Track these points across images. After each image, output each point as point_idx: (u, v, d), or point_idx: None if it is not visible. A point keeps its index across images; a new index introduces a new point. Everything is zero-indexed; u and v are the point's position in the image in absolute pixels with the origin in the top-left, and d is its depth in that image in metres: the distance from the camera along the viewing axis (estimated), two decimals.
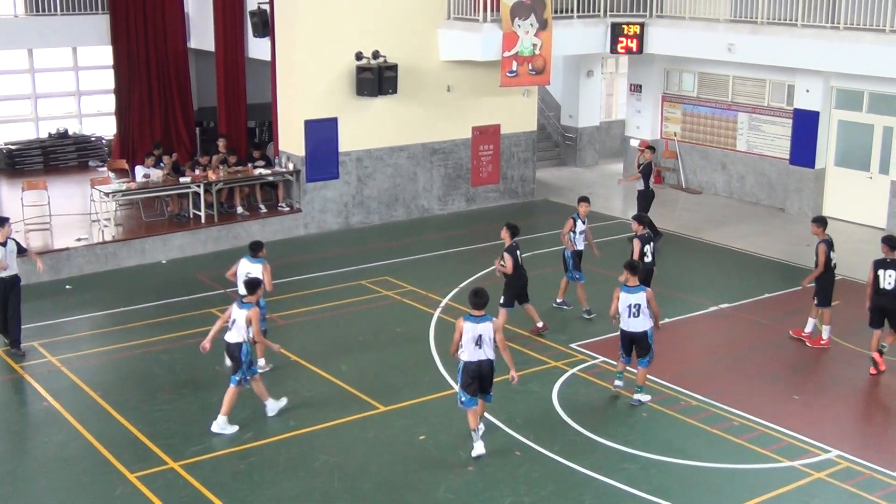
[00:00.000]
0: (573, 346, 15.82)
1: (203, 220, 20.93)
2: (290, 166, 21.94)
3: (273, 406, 13.52)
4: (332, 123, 21.94)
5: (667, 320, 16.49)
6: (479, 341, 12.18)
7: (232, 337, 13.04)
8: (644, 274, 14.65)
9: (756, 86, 24.61)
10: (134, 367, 15.21)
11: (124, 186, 20.81)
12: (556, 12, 23.31)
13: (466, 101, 23.80)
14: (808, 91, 23.13)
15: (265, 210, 21.92)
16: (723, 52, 23.36)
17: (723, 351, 15.66)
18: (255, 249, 14.66)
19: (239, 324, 12.89)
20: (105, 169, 24.57)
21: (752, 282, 18.93)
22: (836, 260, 15.91)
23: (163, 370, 15.00)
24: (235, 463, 12.25)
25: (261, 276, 13.83)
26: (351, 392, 14.22)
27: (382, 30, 22.10)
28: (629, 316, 13.60)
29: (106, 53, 25.83)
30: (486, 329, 12.18)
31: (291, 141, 22.07)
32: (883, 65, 20.41)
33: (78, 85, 27.44)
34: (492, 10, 22.34)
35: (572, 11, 24.15)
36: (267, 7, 22.32)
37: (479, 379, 12.33)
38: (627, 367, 14.10)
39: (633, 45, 24.62)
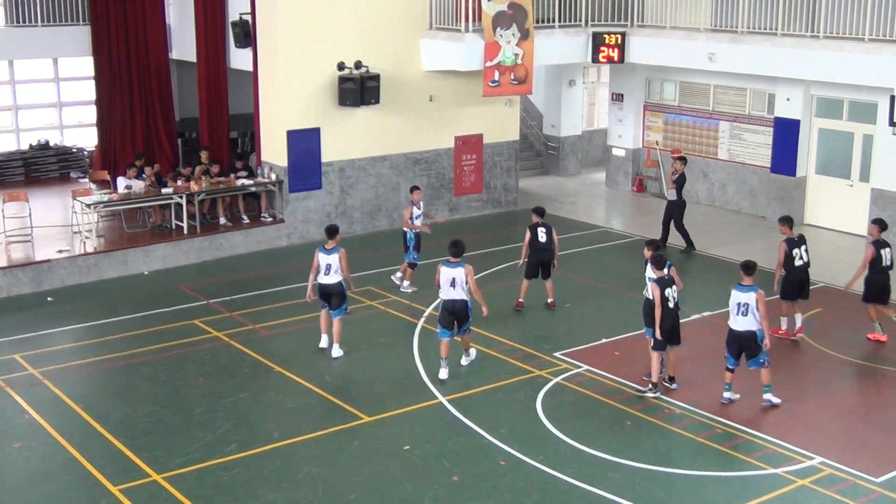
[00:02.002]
0: (557, 354, 15.82)
1: (185, 231, 20.86)
2: (273, 177, 21.90)
3: (338, 350, 15.76)
4: (314, 134, 21.92)
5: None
6: (453, 283, 14.59)
7: (331, 279, 15.35)
8: (668, 318, 14.17)
9: (737, 94, 24.73)
10: (116, 379, 15.13)
11: (106, 198, 20.73)
12: (537, 22, 23.37)
13: (449, 110, 23.82)
14: (788, 99, 23.25)
15: (248, 221, 21.86)
16: (703, 61, 23.46)
17: (705, 359, 15.68)
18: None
19: (334, 266, 15.32)
20: (87, 180, 24.49)
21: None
22: (807, 258, 16.37)
23: (145, 382, 14.93)
24: (219, 474, 12.19)
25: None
26: (335, 402, 14.18)
27: (364, 40, 22.10)
28: (737, 314, 13.83)
29: (87, 64, 25.74)
30: (460, 273, 14.58)
31: (274, 151, 22.04)
32: (862, 73, 20.53)
33: (59, 96, 27.33)
34: (474, 20, 22.38)
35: (554, 21, 24.22)
36: (249, 18, 22.29)
37: (453, 314, 14.72)
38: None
39: (615, 54, 24.70)
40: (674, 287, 14.18)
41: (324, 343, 16.17)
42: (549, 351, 15.93)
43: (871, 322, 16.44)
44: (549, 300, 17.84)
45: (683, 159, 21.57)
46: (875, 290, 16.26)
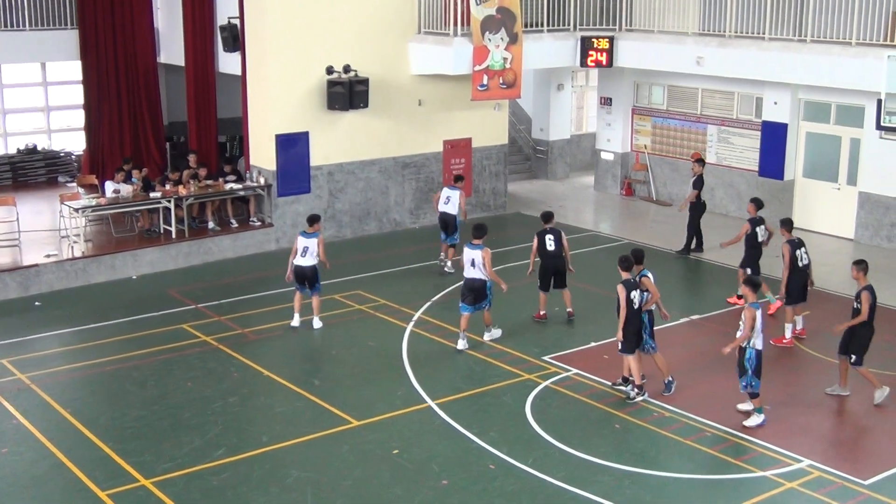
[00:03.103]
0: (546, 358, 15.83)
1: (174, 236, 20.82)
2: (262, 181, 21.88)
3: (318, 322, 17.07)
4: (303, 138, 21.90)
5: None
6: (473, 263, 15.89)
7: (307, 261, 16.67)
8: (633, 318, 14.26)
9: (725, 98, 24.79)
10: (104, 383, 15.09)
11: (94, 202, 20.67)
12: (526, 26, 23.40)
13: (438, 114, 23.83)
14: (776, 103, 23.32)
15: (236, 225, 21.84)
16: (691, 65, 23.53)
17: (694, 362, 15.71)
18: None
19: (311, 249, 16.61)
20: (74, 185, 24.41)
21: (720, 292, 19.01)
22: (808, 260, 16.45)
23: (134, 387, 14.88)
24: (208, 479, 12.16)
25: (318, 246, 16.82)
26: (324, 406, 14.16)
27: (353, 44, 22.10)
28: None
29: (75, 69, 25.69)
30: (478, 255, 15.82)
31: (262, 155, 22.01)
32: (849, 77, 20.61)
33: (47, 100, 27.28)
34: (462, 25, 22.40)
35: (542, 26, 24.25)
36: (237, 22, 22.27)
37: (472, 290, 15.95)
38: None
39: (603, 58, 24.75)
40: (639, 290, 14.17)
41: (295, 322, 17.11)
42: (538, 354, 15.93)
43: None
44: (568, 310, 17.47)
45: (702, 161, 21.60)
46: (796, 290, 16.35)
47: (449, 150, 24.27)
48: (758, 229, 17.80)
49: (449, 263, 20.19)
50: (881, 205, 21.81)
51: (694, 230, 21.44)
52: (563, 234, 17.32)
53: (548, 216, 17.43)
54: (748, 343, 13.33)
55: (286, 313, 17.57)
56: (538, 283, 17.35)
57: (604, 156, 27.71)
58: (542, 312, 17.41)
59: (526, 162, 30.01)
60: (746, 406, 13.85)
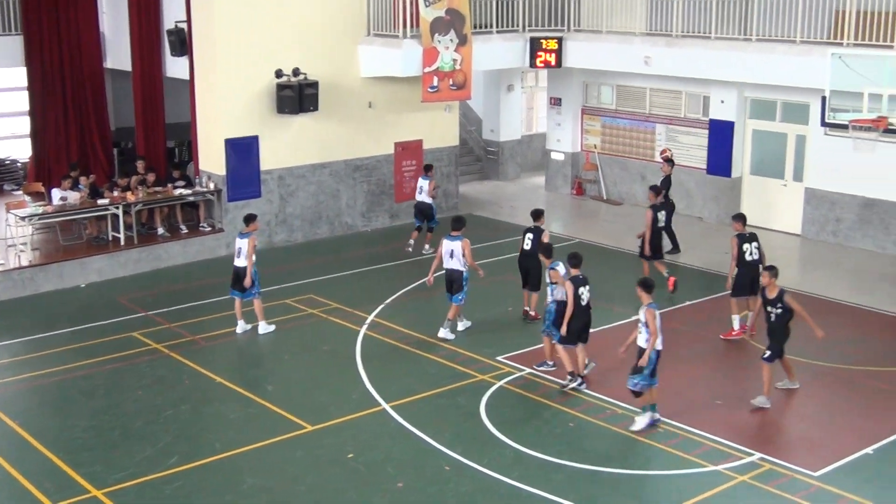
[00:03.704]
0: (500, 358, 15.87)
1: (122, 243, 20.60)
2: (211, 186, 21.73)
3: (265, 328, 16.95)
4: (252, 142, 21.79)
5: (591, 330, 16.64)
6: (451, 254, 16.41)
7: (239, 262, 16.70)
8: (582, 314, 14.56)
9: (672, 97, 25.02)
10: (54, 394, 14.89)
11: (41, 210, 20.39)
12: (475, 28, 23.45)
13: (388, 116, 23.81)
14: (722, 102, 23.58)
15: (186, 231, 21.66)
16: (639, 64, 23.72)
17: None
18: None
19: (243, 250, 16.63)
20: (20, 192, 24.07)
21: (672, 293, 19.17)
22: (758, 255, 16.68)
23: (84, 396, 14.71)
24: (161, 488, 12.04)
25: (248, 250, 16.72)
26: (278, 412, 14.08)
27: (302, 47, 22.02)
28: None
29: (20, 75, 25.31)
30: (457, 246, 16.36)
31: (212, 160, 21.87)
32: (794, 75, 20.89)
33: None
34: (411, 27, 22.40)
35: (491, 27, 24.33)
36: (184, 26, 22.10)
37: (451, 281, 16.48)
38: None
39: (552, 59, 24.88)
40: (587, 287, 14.49)
41: (239, 329, 16.98)
42: (491, 355, 15.97)
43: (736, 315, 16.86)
44: (530, 311, 17.45)
45: (671, 161, 21.73)
46: (742, 283, 16.62)
47: (400, 152, 24.26)
48: (658, 214, 18.76)
49: (426, 247, 21.57)
50: (827, 200, 22.13)
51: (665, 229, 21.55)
52: (543, 232, 17.24)
53: (535, 214, 17.53)
54: (646, 342, 13.27)
55: (237, 320, 17.48)
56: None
57: (554, 156, 27.85)
58: (524, 308, 17.61)
59: (477, 163, 30.08)
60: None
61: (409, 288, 19.43)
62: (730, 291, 16.76)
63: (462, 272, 16.48)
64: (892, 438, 13.12)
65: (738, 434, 13.29)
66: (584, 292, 14.46)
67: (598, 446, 13.06)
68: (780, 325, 14.09)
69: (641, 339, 13.34)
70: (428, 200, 21.52)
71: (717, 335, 16.80)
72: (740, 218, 17.01)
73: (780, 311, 14.03)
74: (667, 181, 21.33)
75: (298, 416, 13.90)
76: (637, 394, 13.44)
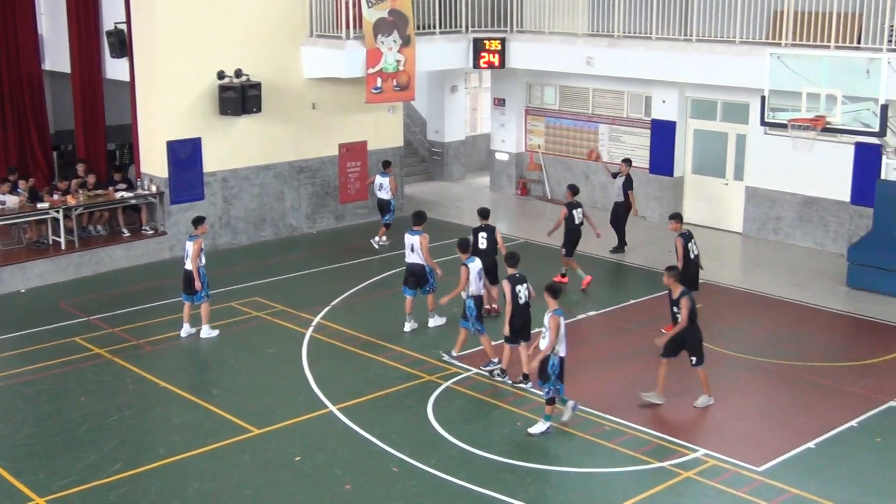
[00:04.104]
0: (447, 358, 15.90)
1: (63, 247, 20.32)
2: (153, 188, 21.51)
3: (208, 332, 16.89)
4: (195, 144, 21.61)
5: (537, 329, 16.74)
6: (412, 248, 16.84)
7: (187, 265, 16.66)
8: (519, 312, 14.70)
9: (615, 98, 25.24)
10: None
11: None
12: (418, 28, 23.47)
13: (332, 118, 23.75)
14: (664, 102, 23.83)
15: (128, 234, 21.43)
16: (582, 65, 23.89)
17: (592, 357, 15.96)
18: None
19: (190, 253, 16.59)
20: None
21: (616, 289, 19.37)
22: (697, 251, 17.04)
23: (26, 403, 14.49)
24: (105, 495, 11.91)
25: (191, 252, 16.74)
26: (223, 416, 13.99)
27: (244, 48, 21.89)
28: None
29: None
30: (416, 240, 16.81)
31: (154, 162, 21.65)
32: (733, 75, 21.17)
33: None
34: (355, 27, 22.37)
35: (434, 28, 24.36)
36: (124, 27, 21.87)
37: (413, 275, 16.86)
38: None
39: (495, 59, 24.98)
40: (525, 285, 14.64)
41: (184, 332, 16.97)
42: (438, 355, 15.99)
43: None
44: (492, 306, 17.62)
45: (628, 161, 21.90)
46: (687, 280, 16.73)
47: (344, 153, 24.21)
48: (574, 212, 19.27)
49: (383, 240, 22.10)
50: (767, 199, 22.46)
51: (619, 228, 21.76)
52: (496, 230, 17.52)
53: (483, 213, 17.71)
54: (551, 350, 13.23)
55: (182, 323, 17.33)
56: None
57: (498, 156, 27.96)
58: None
59: (422, 164, 30.10)
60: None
61: (355, 290, 19.40)
62: None
63: (423, 266, 16.85)
64: (832, 433, 13.36)
65: (683, 431, 13.45)
66: (522, 290, 14.62)
67: (546, 445, 13.14)
68: (688, 325, 14.03)
69: (543, 345, 13.31)
70: (387, 197, 22.07)
71: (660, 334, 16.94)
72: (678, 217, 17.26)
73: (678, 313, 14.10)
74: (628, 181, 21.48)
75: (244, 420, 13.81)
76: (551, 400, 13.38)
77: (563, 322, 13.27)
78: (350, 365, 15.81)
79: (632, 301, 18.67)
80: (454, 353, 15.82)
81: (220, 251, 22.11)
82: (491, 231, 17.39)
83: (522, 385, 14.80)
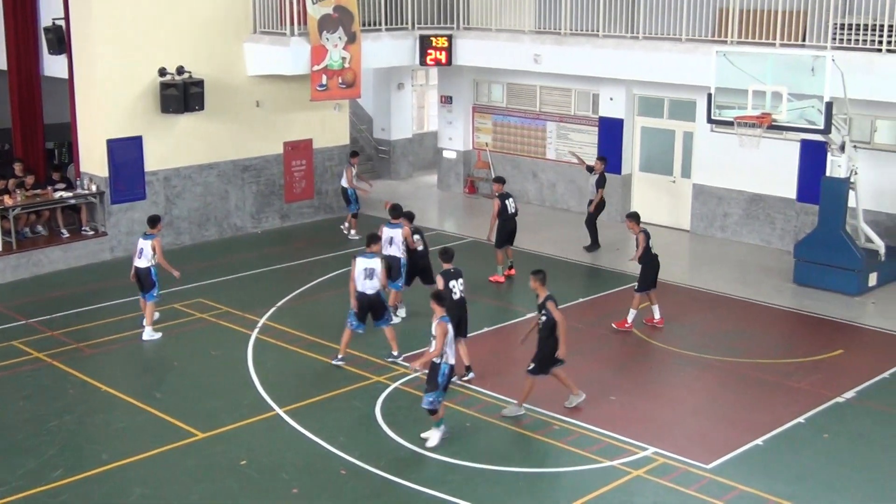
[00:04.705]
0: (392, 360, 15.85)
1: (0, 248, 19.96)
2: (93, 188, 21.23)
3: (150, 334, 16.78)
4: (136, 142, 21.36)
5: (485, 329, 16.78)
6: (391, 242, 16.65)
7: (141, 263, 16.61)
8: (454, 307, 14.55)
9: (562, 95, 25.34)
10: None
11: None
12: (364, 25, 23.39)
13: (277, 116, 23.59)
14: (611, 99, 23.97)
15: (68, 235, 21.11)
16: (529, 62, 23.96)
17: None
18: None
19: (146, 251, 16.60)
20: None
21: (565, 287, 19.39)
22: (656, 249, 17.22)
23: None
24: (46, 502, 11.72)
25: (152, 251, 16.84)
26: (167, 420, 13.84)
27: (186, 45, 21.67)
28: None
29: None
30: (397, 234, 16.72)
31: (93, 161, 21.36)
32: (680, 72, 21.36)
33: None
34: (299, 24, 22.23)
35: (380, 24, 24.29)
36: (62, 23, 21.54)
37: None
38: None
39: (442, 56, 24.98)
40: (460, 280, 14.77)
41: (146, 336, 16.94)
42: (385, 356, 15.93)
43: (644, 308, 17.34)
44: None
45: (604, 159, 21.92)
46: (650, 279, 17.17)
47: (289, 151, 24.06)
48: (507, 203, 19.47)
49: (353, 232, 22.68)
50: (714, 196, 22.68)
51: (591, 225, 21.81)
52: (423, 234, 17.64)
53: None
54: (441, 358, 12.83)
55: (124, 325, 17.14)
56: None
57: (446, 154, 27.96)
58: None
59: (368, 162, 29.99)
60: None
61: (301, 290, 19.28)
62: (636, 286, 17.15)
63: (400, 258, 16.83)
64: (780, 430, 13.51)
65: (632, 429, 13.52)
66: (457, 286, 14.76)
67: (495, 445, 13.15)
68: (545, 333, 13.66)
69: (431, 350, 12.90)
70: (344, 185, 22.66)
71: (609, 332, 17.07)
72: (636, 217, 17.30)
73: (544, 318, 13.65)
74: (601, 178, 21.53)
75: (189, 424, 13.67)
76: (433, 412, 13.02)
77: (450, 329, 12.82)
78: (296, 366, 15.71)
79: (580, 299, 18.75)
80: (395, 353, 15.78)
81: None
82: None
83: (467, 378, 14.88)
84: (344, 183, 22.73)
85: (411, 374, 14.48)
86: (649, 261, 17.05)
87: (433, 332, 12.87)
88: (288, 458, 12.79)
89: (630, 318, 17.05)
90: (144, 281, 16.81)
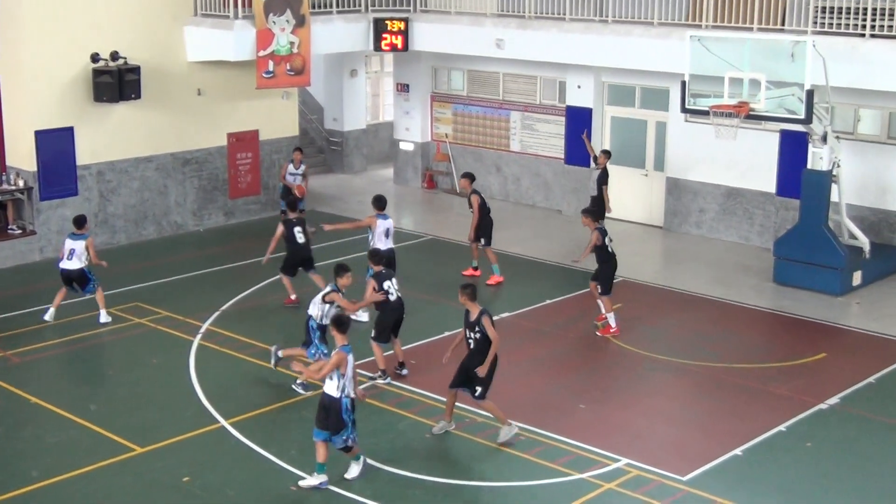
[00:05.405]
0: None
1: None
2: (20, 183, 21.06)
3: (105, 317, 17.53)
4: (67, 133, 21.21)
5: (445, 334, 16.80)
6: (387, 233, 17.58)
7: (73, 264, 17.07)
8: (394, 309, 15.36)
9: (527, 83, 25.43)
10: None
11: None
12: (313, 8, 23.36)
13: (220, 105, 23.50)
14: (579, 87, 24.09)
15: None
16: (491, 48, 24.02)
17: (505, 363, 15.98)
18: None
19: (78, 251, 17.08)
20: None
21: (531, 288, 19.50)
22: (614, 248, 17.39)
23: None
24: None
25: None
26: (102, 434, 13.75)
27: (121, 28, 21.54)
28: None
29: None
30: (391, 224, 17.67)
31: (20, 155, 21.19)
32: (652, 59, 21.50)
33: None
34: (243, 6, 22.17)
35: (331, 7, 24.26)
36: None
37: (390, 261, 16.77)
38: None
39: (398, 41, 24.98)
40: (394, 280, 15.22)
41: (48, 316, 17.56)
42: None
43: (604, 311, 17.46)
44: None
45: (607, 152, 21.94)
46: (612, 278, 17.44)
47: (234, 143, 23.97)
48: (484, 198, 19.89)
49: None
50: (689, 190, 22.86)
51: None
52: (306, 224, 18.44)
53: (293, 204, 18.71)
54: (342, 392, 12.14)
55: (54, 332, 17.01)
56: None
57: (403, 146, 27.97)
58: (292, 297, 18.47)
59: (319, 155, 29.95)
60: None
61: (247, 293, 19.22)
62: (599, 290, 17.19)
63: (392, 250, 17.60)
64: (761, 438, 13.64)
65: (603, 440, 13.59)
66: (392, 286, 15.24)
67: (458, 458, 13.18)
68: (477, 349, 13.33)
69: (331, 387, 12.16)
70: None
71: (578, 335, 17.16)
72: (591, 214, 17.50)
73: (478, 335, 13.29)
74: (604, 174, 21.56)
75: (126, 438, 13.59)
76: (348, 449, 12.39)
77: (350, 360, 12.11)
78: (243, 375, 15.66)
79: (547, 301, 18.84)
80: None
81: (97, 252, 21.65)
82: (303, 223, 18.25)
83: (400, 373, 15.43)
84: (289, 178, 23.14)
85: (364, 384, 14.53)
86: (606, 260, 17.21)
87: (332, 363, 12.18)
88: (234, 473, 12.74)
89: (612, 322, 17.15)
90: (80, 282, 17.42)
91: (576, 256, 17.85)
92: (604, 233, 17.14)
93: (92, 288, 17.59)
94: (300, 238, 18.11)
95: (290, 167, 22.94)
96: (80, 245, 17.24)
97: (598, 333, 17.19)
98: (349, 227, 19.06)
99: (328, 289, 14.74)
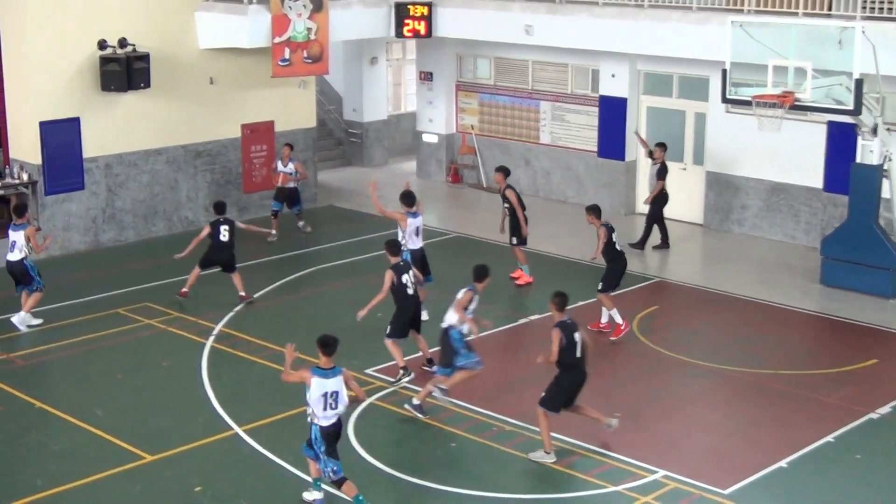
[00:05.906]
0: (369, 371, 15.86)
1: None
2: (25, 177, 21.17)
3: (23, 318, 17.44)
4: (73, 125, 21.32)
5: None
6: (417, 231, 17.73)
7: (13, 256, 17.08)
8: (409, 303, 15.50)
9: (558, 71, 25.37)
10: None
11: None
12: None
13: (234, 95, 23.56)
14: (613, 76, 24.01)
15: None
16: (520, 34, 23.96)
17: (535, 368, 15.94)
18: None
19: (18, 243, 17.08)
20: None
21: (563, 288, 19.35)
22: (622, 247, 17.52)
23: None
24: None
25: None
26: (109, 440, 13.81)
27: (130, 14, 21.64)
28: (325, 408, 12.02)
29: None
30: (420, 222, 17.91)
31: (24, 147, 21.31)
32: (691, 45, 21.40)
33: None
34: None
35: None
36: None
37: (420, 259, 17.47)
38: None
39: (421, 27, 24.97)
40: (411, 273, 15.42)
41: (16, 319, 17.62)
42: (358, 368, 15.89)
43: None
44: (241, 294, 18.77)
45: (663, 145, 21.89)
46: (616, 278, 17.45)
47: (248, 135, 24.02)
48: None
49: (302, 224, 23.06)
50: (730, 186, 22.75)
51: (655, 222, 21.76)
52: (235, 223, 18.89)
53: (220, 207, 18.99)
54: (308, 419, 11.96)
55: (59, 333, 17.11)
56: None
57: (426, 138, 27.95)
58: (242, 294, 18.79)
59: (338, 147, 29.99)
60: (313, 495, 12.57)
61: (262, 292, 19.25)
62: (600, 287, 17.24)
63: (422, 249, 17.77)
64: (807, 450, 13.57)
65: (639, 450, 13.54)
66: (409, 280, 15.40)
67: (484, 469, 13.14)
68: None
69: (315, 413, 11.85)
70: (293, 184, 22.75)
71: (614, 339, 17.10)
72: (596, 211, 17.45)
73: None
74: (663, 169, 21.54)
75: (135, 445, 13.65)
76: (341, 481, 11.88)
77: (314, 383, 11.81)
78: (258, 380, 15.68)
79: (580, 303, 18.71)
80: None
81: (104, 249, 21.81)
82: (232, 225, 18.69)
83: (429, 370, 15.39)
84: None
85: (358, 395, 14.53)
86: (615, 258, 17.19)
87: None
88: (247, 482, 12.78)
89: (619, 320, 17.12)
90: (21, 277, 17.42)
91: (592, 254, 17.78)
92: (611, 230, 17.11)
93: (33, 289, 17.48)
94: (224, 237, 18.49)
95: (279, 164, 22.71)
96: (20, 236, 17.27)
97: (612, 339, 17.07)
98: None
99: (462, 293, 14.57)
